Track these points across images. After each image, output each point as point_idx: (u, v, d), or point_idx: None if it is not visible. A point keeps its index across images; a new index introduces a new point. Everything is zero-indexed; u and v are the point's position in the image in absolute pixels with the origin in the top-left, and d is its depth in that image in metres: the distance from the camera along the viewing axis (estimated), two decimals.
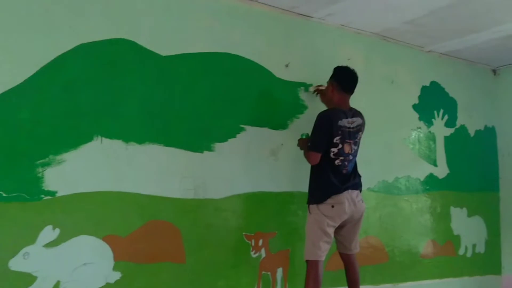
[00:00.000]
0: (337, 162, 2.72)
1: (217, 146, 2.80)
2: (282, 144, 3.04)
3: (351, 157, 2.77)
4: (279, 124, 3.05)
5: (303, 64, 3.17)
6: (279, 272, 2.97)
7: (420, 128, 3.77)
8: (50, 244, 2.25)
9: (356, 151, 2.82)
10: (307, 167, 2.81)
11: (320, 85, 3.06)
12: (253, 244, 2.87)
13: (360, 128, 2.82)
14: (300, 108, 3.13)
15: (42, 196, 2.26)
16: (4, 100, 2.24)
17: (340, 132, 2.71)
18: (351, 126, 2.77)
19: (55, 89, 2.36)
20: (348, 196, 2.72)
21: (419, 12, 3.16)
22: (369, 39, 3.53)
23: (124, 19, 2.57)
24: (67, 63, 2.40)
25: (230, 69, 2.87)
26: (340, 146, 2.72)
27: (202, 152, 2.75)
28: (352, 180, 2.78)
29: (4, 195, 2.17)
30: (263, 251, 2.91)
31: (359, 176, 2.85)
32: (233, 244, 2.82)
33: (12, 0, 2.29)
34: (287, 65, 3.10)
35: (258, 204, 2.93)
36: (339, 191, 2.69)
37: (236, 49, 2.91)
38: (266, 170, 2.98)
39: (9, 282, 2.15)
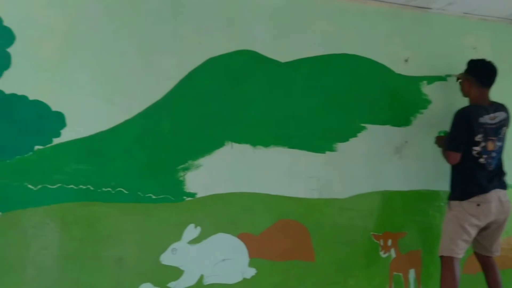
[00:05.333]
0: (481, 160, 2.71)
1: (339, 146, 2.97)
2: (406, 141, 3.11)
3: (494, 154, 2.74)
4: (402, 121, 3.13)
5: (424, 58, 3.22)
6: (411, 273, 3.02)
7: None
8: (193, 241, 2.61)
9: (501, 147, 2.78)
10: (436, 164, 2.86)
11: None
12: (382, 244, 2.97)
13: (504, 123, 2.78)
14: (424, 103, 3.18)
15: (184, 197, 2.64)
16: (149, 114, 2.66)
17: (482, 129, 2.70)
18: (494, 122, 2.74)
19: (189, 101, 2.74)
20: (495, 195, 2.69)
21: None
22: (496, 25, 3.45)
23: (245, 31, 2.88)
24: (198, 77, 2.77)
25: (348, 69, 3.04)
26: (483, 144, 2.71)
27: (324, 153, 2.94)
28: (498, 178, 2.75)
29: (153, 197, 2.59)
30: (392, 251, 2.99)
31: (505, 173, 2.80)
32: (361, 243, 2.95)
33: (147, 25, 2.71)
34: (406, 60, 3.17)
35: (384, 203, 3.03)
36: (485, 190, 2.68)
37: (353, 48, 3.07)
38: (391, 169, 3.07)
39: (161, 275, 2.55)
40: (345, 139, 2.99)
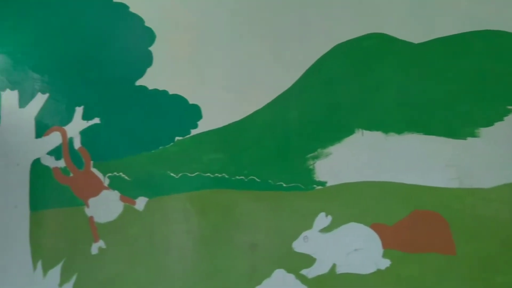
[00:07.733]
0: None
1: (482, 131, 2.75)
2: None
3: None
4: None
5: None
6: None
7: None
8: (325, 230, 2.63)
9: None
10: None
11: None
12: None
13: None
14: None
15: (314, 186, 2.67)
16: (277, 104, 2.74)
17: None
18: None
19: (317, 90, 2.77)
20: None
21: None
22: None
23: (373, 14, 2.81)
24: (325, 64, 2.78)
25: (491, 46, 2.78)
26: None
27: (465, 139, 2.75)
28: None
29: (284, 185, 2.66)
30: None
31: None
32: (509, 237, 2.70)
33: (274, 14, 2.78)
34: None
35: None
36: None
37: (496, 24, 2.80)
38: None
39: (294, 262, 2.62)
40: (489, 123, 2.76)
